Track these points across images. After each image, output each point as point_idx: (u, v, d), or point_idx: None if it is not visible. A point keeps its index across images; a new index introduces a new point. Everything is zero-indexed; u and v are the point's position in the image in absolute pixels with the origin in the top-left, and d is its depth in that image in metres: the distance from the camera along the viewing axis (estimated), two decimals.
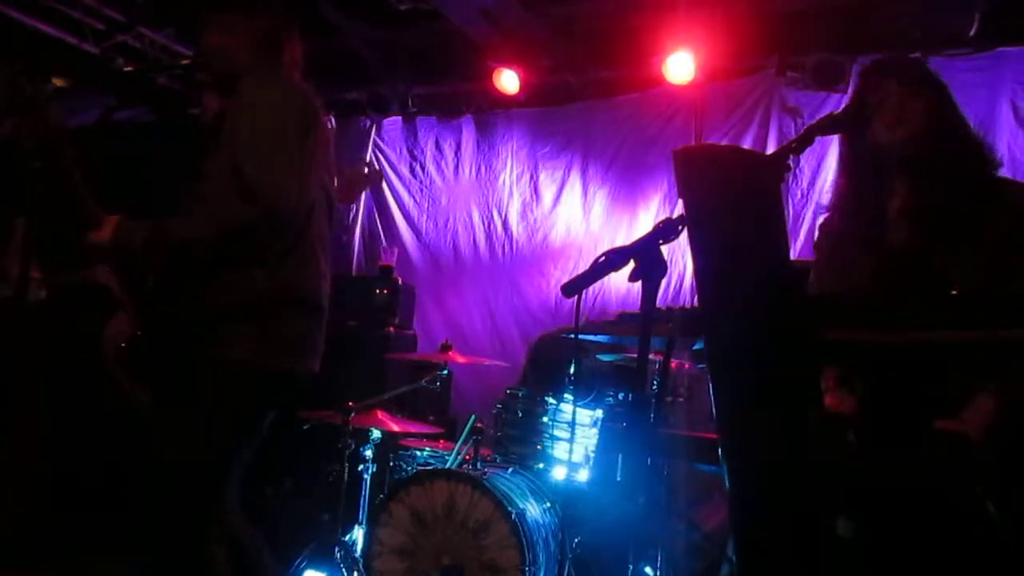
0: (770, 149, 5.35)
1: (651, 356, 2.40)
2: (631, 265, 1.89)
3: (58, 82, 6.29)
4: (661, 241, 1.88)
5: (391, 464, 4.22)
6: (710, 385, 1.83)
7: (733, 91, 5.55)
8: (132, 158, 5.65)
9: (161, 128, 6.15)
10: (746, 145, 5.45)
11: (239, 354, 2.33)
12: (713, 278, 1.78)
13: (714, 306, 1.80)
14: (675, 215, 1.89)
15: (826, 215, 2.35)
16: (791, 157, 2.00)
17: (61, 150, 2.37)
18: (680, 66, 5.31)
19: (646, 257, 1.87)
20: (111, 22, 5.60)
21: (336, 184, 2.68)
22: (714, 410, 1.84)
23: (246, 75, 2.47)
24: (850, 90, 5.18)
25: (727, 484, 1.83)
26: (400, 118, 6.42)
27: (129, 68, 5.59)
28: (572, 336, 2.82)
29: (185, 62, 4.62)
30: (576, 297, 1.98)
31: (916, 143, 2.08)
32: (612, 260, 1.87)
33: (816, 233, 2.42)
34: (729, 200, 1.72)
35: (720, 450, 1.92)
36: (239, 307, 2.34)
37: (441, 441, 4.32)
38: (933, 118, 2.10)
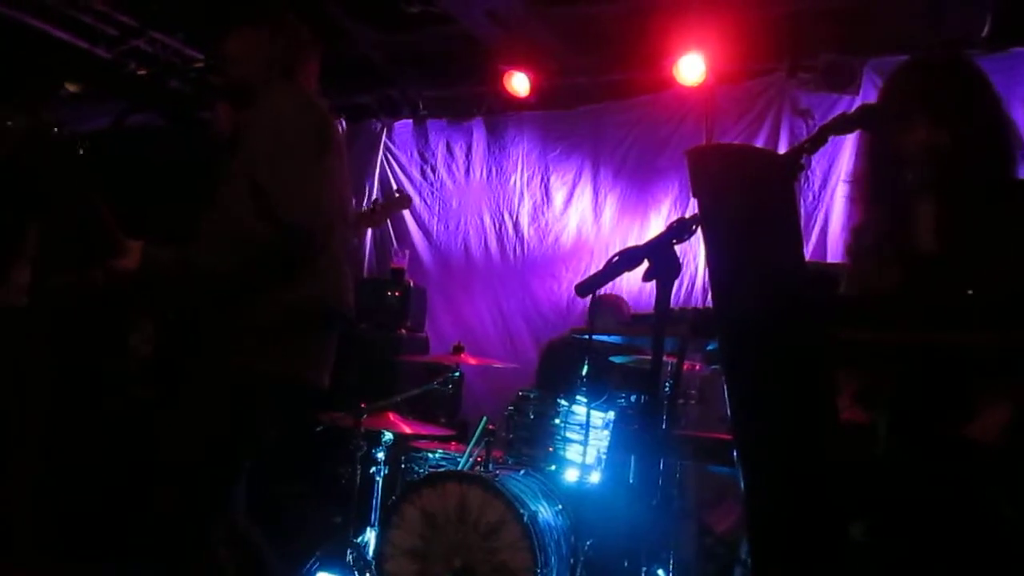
0: (782, 150, 5.34)
1: (664, 358, 2.38)
2: (645, 265, 1.88)
3: (71, 87, 6.35)
4: (675, 241, 1.87)
5: (403, 466, 4.22)
6: (724, 386, 1.83)
7: (744, 93, 5.55)
8: (144, 161, 5.69)
9: (173, 132, 6.18)
10: (758, 146, 5.45)
11: (263, 366, 2.34)
12: (727, 278, 1.78)
13: (728, 307, 1.80)
14: (688, 215, 1.89)
15: (856, 220, 2.31)
16: (804, 157, 1.99)
17: (77, 180, 2.39)
18: (691, 68, 5.31)
19: (660, 257, 1.86)
20: (123, 27, 5.63)
21: (369, 213, 2.68)
22: (728, 412, 1.84)
23: (263, 88, 2.48)
24: (861, 91, 5.17)
25: (742, 486, 1.82)
26: (411, 121, 6.44)
27: (142, 72, 5.62)
28: (586, 337, 2.81)
29: (198, 65, 4.65)
30: (589, 298, 1.98)
31: (943, 154, 2.04)
32: (626, 260, 1.86)
33: (848, 237, 2.37)
34: (743, 200, 1.72)
35: (735, 452, 1.91)
36: (264, 322, 2.35)
37: (453, 443, 4.32)
38: (962, 126, 2.05)
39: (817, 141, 2.00)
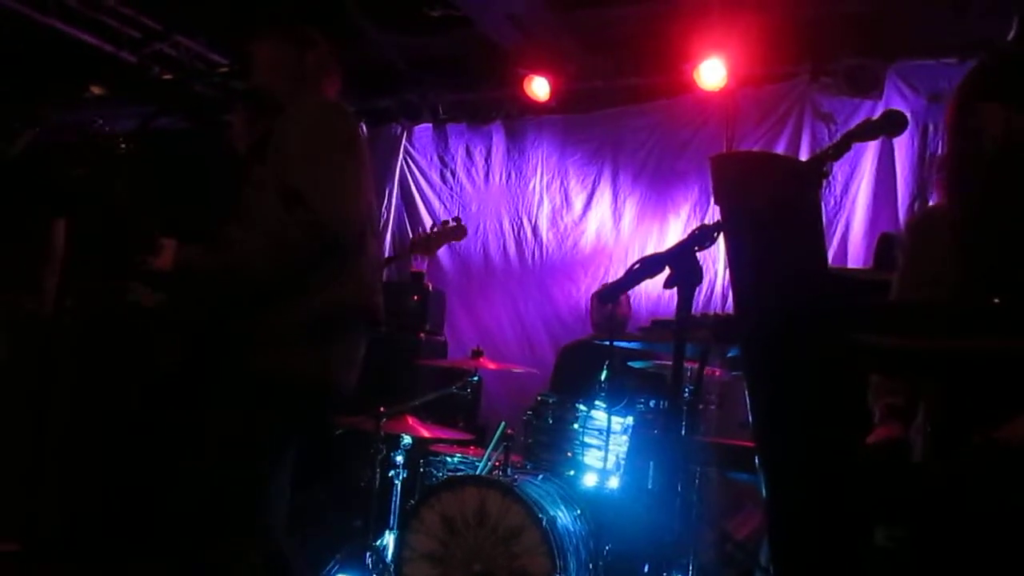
0: (803, 155, 5.32)
1: (684, 363, 2.38)
2: (666, 272, 1.88)
3: (96, 90, 6.42)
4: (697, 248, 1.87)
5: (421, 470, 4.23)
6: (746, 393, 1.82)
7: (765, 97, 5.53)
8: (169, 164, 5.73)
9: (197, 134, 6.23)
10: (780, 150, 5.42)
11: (293, 369, 2.35)
12: (749, 285, 1.77)
13: (750, 313, 1.79)
14: (711, 222, 1.88)
15: (914, 214, 2.26)
16: (828, 163, 1.97)
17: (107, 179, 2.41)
18: (712, 72, 5.29)
19: (682, 264, 1.86)
20: (147, 30, 5.68)
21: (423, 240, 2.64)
22: (751, 418, 1.83)
23: (291, 98, 2.49)
24: (884, 95, 5.14)
25: (763, 493, 1.82)
26: (430, 125, 6.46)
27: (167, 77, 5.67)
28: (607, 343, 2.81)
29: (222, 70, 4.69)
30: (610, 304, 1.98)
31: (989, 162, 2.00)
32: (647, 266, 1.86)
33: (905, 233, 2.33)
34: (766, 207, 1.71)
35: (756, 458, 1.90)
36: (298, 325, 2.35)
37: (471, 447, 4.33)
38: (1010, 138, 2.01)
39: (841, 148, 1.99)
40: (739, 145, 5.51)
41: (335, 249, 2.33)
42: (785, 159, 3.06)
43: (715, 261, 5.16)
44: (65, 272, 3.95)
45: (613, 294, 1.94)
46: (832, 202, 5.23)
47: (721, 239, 1.87)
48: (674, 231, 5.57)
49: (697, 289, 1.90)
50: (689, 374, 3.42)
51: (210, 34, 5.73)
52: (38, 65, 5.69)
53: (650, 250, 5.62)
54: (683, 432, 3.22)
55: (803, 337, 1.72)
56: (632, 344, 3.04)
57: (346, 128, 2.47)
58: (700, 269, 1.88)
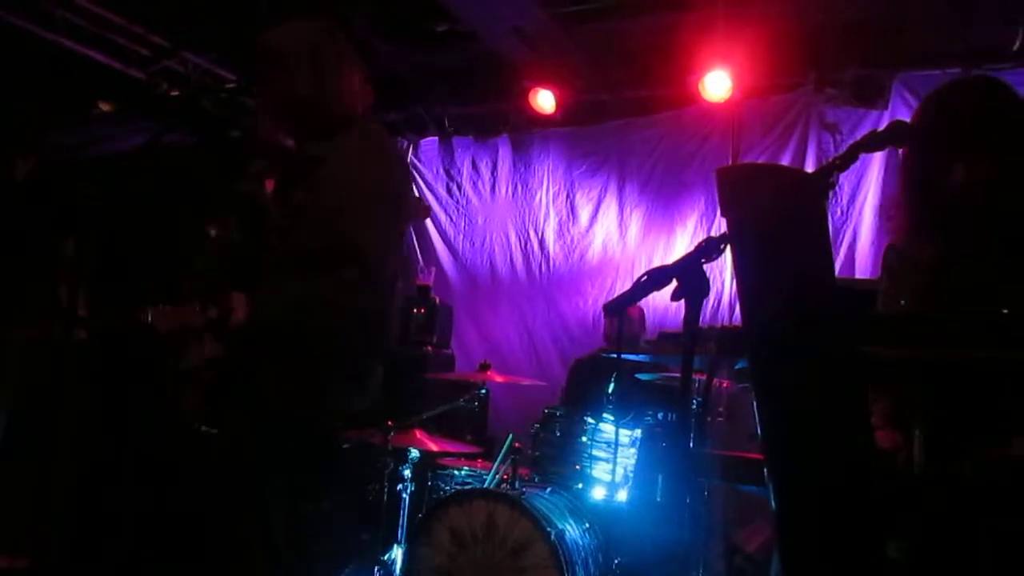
0: (809, 165, 5.32)
1: (692, 375, 2.37)
2: (673, 284, 1.88)
3: (104, 106, 6.46)
4: (704, 260, 1.86)
5: (429, 483, 4.22)
6: (754, 404, 1.82)
7: (771, 108, 5.53)
8: (178, 178, 5.76)
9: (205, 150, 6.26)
10: (785, 162, 5.42)
11: (331, 402, 2.38)
12: (757, 297, 1.77)
13: (757, 325, 1.79)
14: (717, 233, 1.88)
15: (893, 239, 2.29)
16: (834, 175, 1.98)
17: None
18: (716, 84, 5.30)
19: (689, 276, 1.85)
20: (156, 48, 5.72)
21: None
22: (759, 430, 1.83)
23: (342, 123, 2.46)
24: (890, 105, 5.14)
25: (773, 505, 1.81)
26: (436, 138, 6.49)
27: (175, 93, 5.70)
28: (615, 356, 2.80)
29: (229, 86, 4.72)
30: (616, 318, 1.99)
31: (980, 191, 2.02)
32: (654, 279, 1.85)
33: (884, 257, 2.36)
34: (773, 219, 1.71)
35: (766, 470, 1.90)
36: (334, 358, 2.35)
37: (479, 460, 4.32)
38: (1000, 158, 2.03)
39: (847, 159, 1.99)
40: (745, 156, 5.51)
41: (377, 289, 2.33)
42: (791, 171, 3.06)
43: (723, 271, 5.16)
44: (76, 294, 3.97)
45: (619, 307, 1.92)
46: (839, 212, 5.22)
47: (728, 251, 1.87)
48: (681, 242, 5.58)
49: (705, 301, 1.90)
50: (697, 386, 3.41)
51: (217, 50, 5.76)
52: (45, 81, 5.73)
53: (657, 261, 5.62)
54: (691, 444, 3.21)
55: (810, 349, 1.72)
56: (641, 357, 3.03)
57: (397, 161, 2.47)
58: (707, 281, 1.87)
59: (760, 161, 5.48)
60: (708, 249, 1.88)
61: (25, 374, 4.10)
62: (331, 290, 2.30)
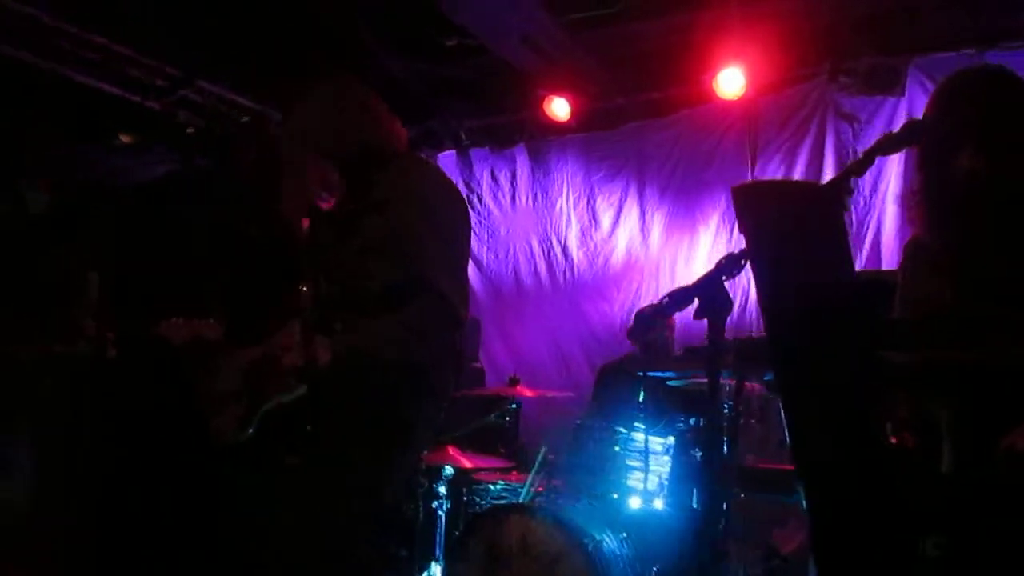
0: (829, 156, 5.27)
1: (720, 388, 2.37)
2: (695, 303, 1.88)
3: (124, 138, 6.54)
4: (724, 277, 1.86)
5: (464, 499, 4.23)
6: (782, 413, 1.83)
7: (786, 101, 5.49)
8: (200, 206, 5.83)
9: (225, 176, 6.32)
10: (804, 154, 5.39)
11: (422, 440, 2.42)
12: (779, 312, 1.77)
13: (781, 338, 1.79)
14: (737, 249, 1.88)
15: (911, 236, 2.28)
16: (852, 180, 1.97)
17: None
18: (730, 81, 5.28)
19: (710, 294, 1.86)
20: (171, 78, 5.78)
21: None
22: (788, 438, 1.83)
23: (393, 158, 2.48)
24: (907, 91, 5.08)
25: (806, 509, 1.81)
26: (454, 152, 6.50)
27: (190, 129, 5.77)
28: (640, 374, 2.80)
29: (245, 120, 4.77)
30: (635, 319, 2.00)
31: (982, 181, 2.01)
32: (676, 300, 1.86)
33: (902, 253, 2.35)
34: (791, 234, 1.71)
35: (797, 476, 1.90)
36: (425, 395, 2.35)
37: (513, 473, 4.33)
38: (1004, 148, 2.02)
39: (863, 164, 2.00)
40: (763, 151, 5.48)
41: (455, 329, 2.34)
42: (806, 185, 3.06)
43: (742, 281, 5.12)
44: (100, 318, 4.03)
45: (642, 332, 1.93)
46: (862, 202, 5.17)
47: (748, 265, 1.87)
48: (704, 241, 5.55)
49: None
50: (728, 390, 3.41)
51: (232, 78, 5.82)
52: (66, 116, 5.81)
53: (681, 262, 5.60)
54: (725, 451, 3.20)
55: (833, 356, 1.72)
56: (667, 373, 3.03)
57: (458, 202, 2.50)
58: (729, 298, 1.87)
59: (778, 156, 5.45)
60: (728, 266, 1.88)
61: (48, 393, 4.16)
62: (416, 324, 2.29)
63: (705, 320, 1.87)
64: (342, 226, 2.45)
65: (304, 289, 2.39)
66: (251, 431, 2.45)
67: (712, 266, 1.91)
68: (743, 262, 1.88)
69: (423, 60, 5.66)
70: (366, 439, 2.29)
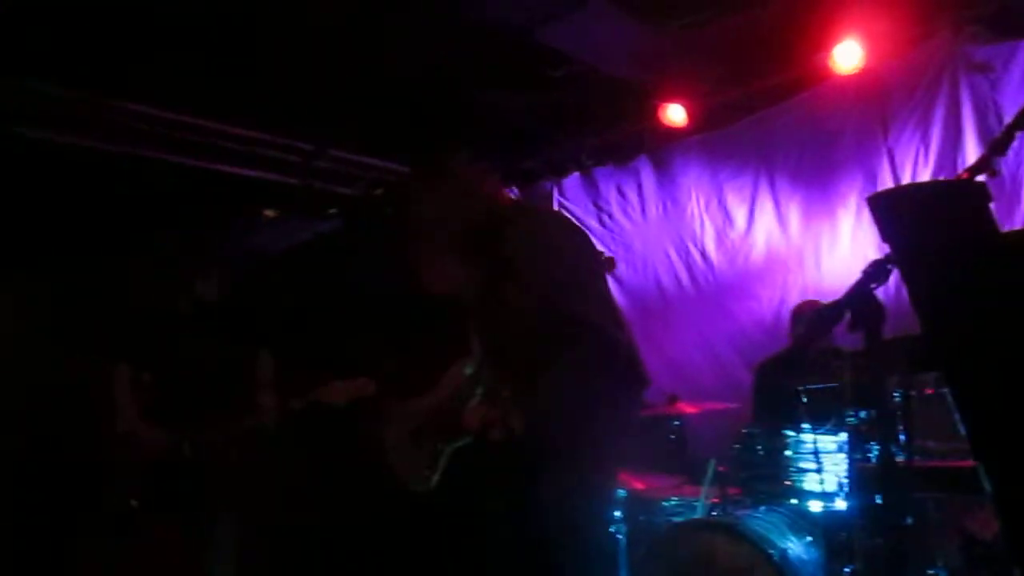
0: (967, 114, 5.00)
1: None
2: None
3: (269, 213, 6.94)
4: (874, 286, 1.85)
5: (641, 519, 4.25)
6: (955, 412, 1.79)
7: (911, 64, 5.24)
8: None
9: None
10: (939, 116, 5.14)
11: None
12: (939, 313, 1.74)
13: (947, 340, 1.76)
14: (881, 256, 1.86)
15: None
16: (995, 161, 1.91)
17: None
18: (847, 55, 5.13)
19: (861, 305, 1.84)
20: (303, 152, 6.12)
21: None
22: (968, 437, 1.79)
23: (510, 214, 2.60)
24: None
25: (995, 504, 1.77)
26: (578, 174, 6.55)
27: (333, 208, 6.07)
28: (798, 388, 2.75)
29: (377, 193, 4.96)
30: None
31: None
32: (827, 317, 1.86)
33: None
34: (937, 236, 1.68)
35: (983, 473, 1.86)
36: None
37: (685, 488, 4.32)
38: None
39: (1003, 143, 1.94)
40: (894, 121, 5.24)
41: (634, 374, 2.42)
42: (944, 183, 2.94)
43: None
44: (279, 391, 4.29)
45: (800, 355, 1.93)
46: (1011, 155, 4.87)
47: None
48: (846, 224, 5.34)
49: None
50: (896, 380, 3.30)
51: (359, 143, 6.10)
52: (215, 202, 6.22)
53: (824, 248, 5.43)
54: (901, 443, 3.11)
55: (1002, 350, 1.68)
56: (818, 386, 2.96)
57: (590, 244, 2.59)
58: (882, 306, 1.85)
59: (911, 122, 5.22)
60: (876, 274, 1.86)
61: (242, 468, 4.44)
62: (581, 372, 2.39)
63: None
64: (483, 288, 2.56)
65: (469, 345, 2.51)
66: (436, 478, 2.59)
67: (859, 273, 1.89)
68: (890, 268, 1.86)
69: (534, 94, 5.75)
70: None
